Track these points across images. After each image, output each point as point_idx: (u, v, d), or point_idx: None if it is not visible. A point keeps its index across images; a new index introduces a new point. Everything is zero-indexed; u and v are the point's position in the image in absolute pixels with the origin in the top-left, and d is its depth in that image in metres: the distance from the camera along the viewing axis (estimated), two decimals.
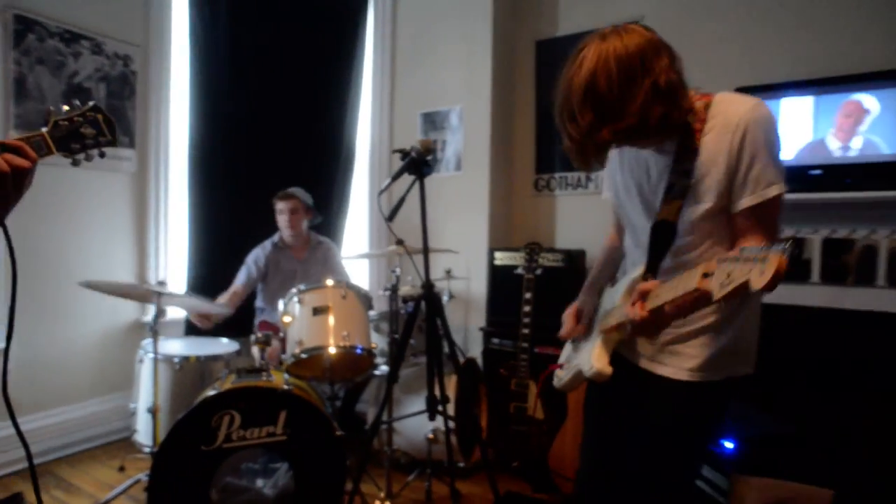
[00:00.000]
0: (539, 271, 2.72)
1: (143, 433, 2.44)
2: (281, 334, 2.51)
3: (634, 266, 1.38)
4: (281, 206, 3.00)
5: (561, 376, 1.55)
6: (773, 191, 1.15)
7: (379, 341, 2.68)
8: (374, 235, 3.86)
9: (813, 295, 2.60)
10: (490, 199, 3.48)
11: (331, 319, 2.40)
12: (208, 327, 2.68)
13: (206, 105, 3.22)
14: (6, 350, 1.03)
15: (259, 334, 2.44)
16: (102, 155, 1.22)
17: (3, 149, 0.97)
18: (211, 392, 2.04)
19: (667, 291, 1.06)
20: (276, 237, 3.10)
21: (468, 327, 3.48)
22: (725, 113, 1.18)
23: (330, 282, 2.50)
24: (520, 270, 2.73)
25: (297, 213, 3.00)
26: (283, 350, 2.48)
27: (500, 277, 3.23)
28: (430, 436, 2.57)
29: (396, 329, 2.53)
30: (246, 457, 2.25)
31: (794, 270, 2.63)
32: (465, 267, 3.37)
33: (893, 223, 2.48)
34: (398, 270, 2.62)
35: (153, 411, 2.27)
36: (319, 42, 3.55)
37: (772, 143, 1.16)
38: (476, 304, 3.44)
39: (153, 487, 1.91)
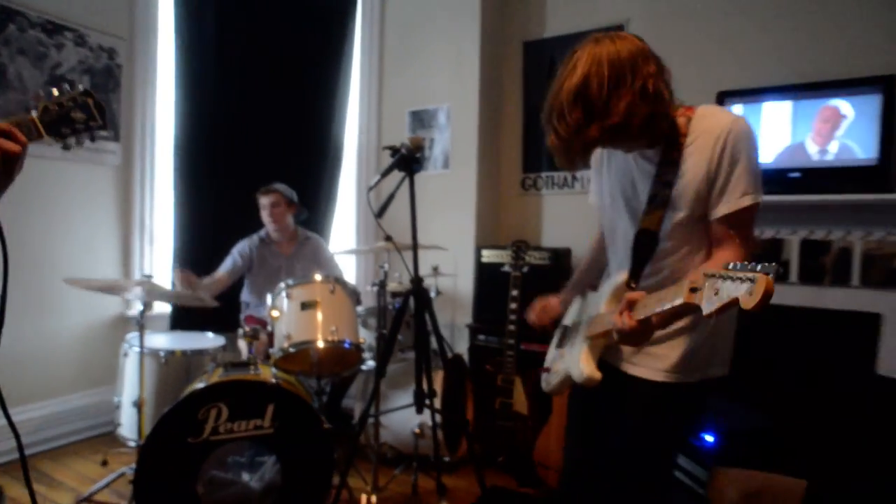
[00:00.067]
0: (525, 269, 2.75)
1: (128, 427, 2.43)
2: (269, 328, 2.51)
3: (617, 270, 1.43)
4: (263, 201, 3.01)
5: (549, 380, 1.59)
6: (748, 200, 1.21)
7: (366, 337, 2.69)
8: (362, 231, 3.87)
9: (792, 294, 2.67)
10: (477, 198, 3.51)
11: (319, 314, 2.41)
12: (188, 291, 2.65)
13: (193, 100, 3.20)
14: None
15: (247, 328, 2.45)
16: (93, 139, 1.21)
17: None
18: (199, 385, 2.03)
19: (654, 303, 1.09)
20: (262, 232, 3.10)
21: (455, 324, 3.51)
22: (707, 126, 1.23)
23: (318, 277, 2.50)
24: (506, 268, 2.76)
25: (279, 206, 3.00)
26: (271, 344, 2.48)
27: (486, 275, 3.27)
28: (417, 430, 2.58)
29: (384, 324, 2.54)
30: (233, 450, 2.24)
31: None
32: (452, 264, 3.39)
33: (867, 225, 2.57)
34: (386, 266, 2.63)
35: (139, 405, 2.26)
36: (307, 38, 3.55)
37: (749, 156, 1.21)
38: (463, 302, 3.47)
39: (139, 480, 1.90)
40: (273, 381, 2.09)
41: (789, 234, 2.74)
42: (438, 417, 2.47)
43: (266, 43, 3.40)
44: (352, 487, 2.40)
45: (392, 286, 2.79)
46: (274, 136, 3.44)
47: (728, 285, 0.89)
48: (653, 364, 1.33)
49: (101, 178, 3.02)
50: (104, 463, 2.67)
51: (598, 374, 1.32)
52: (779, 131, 2.72)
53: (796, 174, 2.67)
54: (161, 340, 2.63)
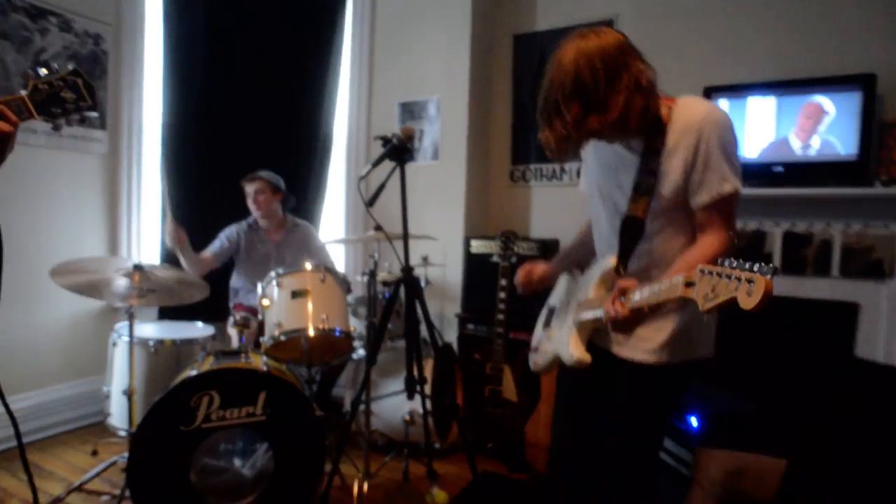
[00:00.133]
0: (514, 259, 2.77)
1: (118, 416, 2.42)
2: (260, 317, 2.51)
3: (604, 256, 1.46)
4: (248, 188, 3.01)
5: (536, 360, 1.62)
6: (727, 187, 1.25)
7: (357, 325, 2.71)
8: (351, 221, 3.87)
9: (775, 284, 2.73)
10: (466, 189, 3.53)
11: (309, 303, 2.42)
12: (176, 246, 2.73)
13: (181, 88, 3.17)
14: None
15: (238, 317, 2.44)
16: (83, 120, 1.21)
17: None
18: (191, 373, 2.04)
19: (648, 295, 1.12)
20: (251, 218, 3.09)
21: (444, 314, 3.54)
22: (685, 116, 1.27)
23: (308, 266, 2.51)
24: (495, 258, 2.79)
25: (264, 193, 2.99)
26: (261, 333, 2.49)
27: (475, 265, 3.30)
28: (407, 418, 2.61)
29: (374, 313, 2.56)
30: (225, 438, 2.25)
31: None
32: (441, 254, 3.41)
33: (847, 218, 2.65)
34: (377, 255, 2.65)
35: (129, 394, 2.26)
36: (297, 28, 3.53)
37: (726, 143, 1.25)
38: (452, 291, 3.49)
39: (132, 468, 1.91)
40: (265, 368, 2.10)
41: (772, 227, 2.81)
42: (429, 404, 2.50)
43: (256, 31, 3.37)
44: (344, 474, 2.43)
45: (382, 275, 2.80)
46: (262, 125, 3.42)
47: (724, 283, 0.90)
48: (641, 345, 1.37)
49: (88, 166, 2.99)
50: (94, 453, 2.66)
51: (587, 357, 1.36)
52: (763, 126, 2.77)
53: (780, 168, 2.73)
54: (150, 330, 2.62)
